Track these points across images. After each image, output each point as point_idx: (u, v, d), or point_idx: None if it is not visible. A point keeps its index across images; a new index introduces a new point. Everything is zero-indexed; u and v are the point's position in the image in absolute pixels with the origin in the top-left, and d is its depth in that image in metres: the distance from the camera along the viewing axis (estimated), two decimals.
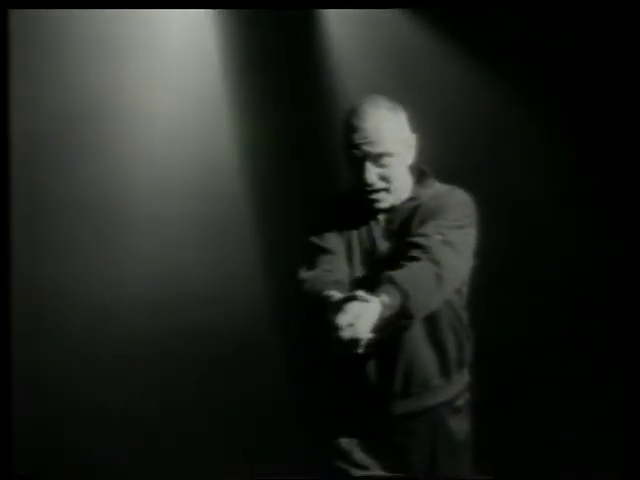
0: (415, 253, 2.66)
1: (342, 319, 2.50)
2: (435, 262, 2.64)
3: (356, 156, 2.77)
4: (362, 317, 2.50)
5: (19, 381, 3.44)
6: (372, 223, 2.87)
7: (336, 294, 2.59)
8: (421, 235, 2.71)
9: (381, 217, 2.86)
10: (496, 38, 3.87)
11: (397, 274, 2.61)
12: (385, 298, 2.54)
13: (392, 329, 2.64)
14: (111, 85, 3.87)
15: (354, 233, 2.87)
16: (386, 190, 2.80)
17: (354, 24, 4.06)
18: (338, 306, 2.53)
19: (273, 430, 4.05)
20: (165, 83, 3.96)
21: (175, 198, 4.00)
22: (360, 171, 2.78)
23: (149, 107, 3.94)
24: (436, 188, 2.88)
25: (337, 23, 4.11)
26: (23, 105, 3.64)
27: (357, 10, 3.98)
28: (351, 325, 2.49)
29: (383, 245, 2.83)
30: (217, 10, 3.98)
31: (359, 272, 2.85)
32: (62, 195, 3.85)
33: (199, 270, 4.02)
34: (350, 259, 2.86)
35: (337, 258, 2.84)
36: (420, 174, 2.90)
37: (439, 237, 2.69)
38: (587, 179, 3.84)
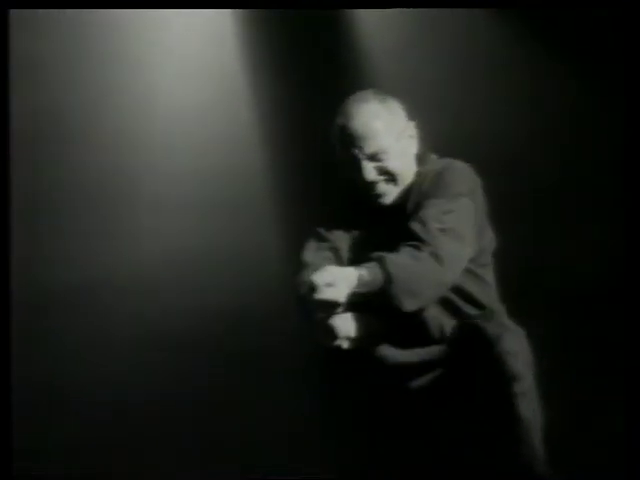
0: (415, 243, 2.50)
1: (319, 278, 2.36)
2: (435, 256, 2.48)
3: (352, 156, 2.66)
4: (341, 280, 2.36)
5: (19, 381, 3.44)
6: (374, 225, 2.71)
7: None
8: (420, 222, 2.55)
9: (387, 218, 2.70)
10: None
11: (389, 256, 2.44)
12: (364, 273, 2.40)
13: (379, 324, 2.48)
14: (111, 85, 3.88)
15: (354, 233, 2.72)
16: (393, 181, 2.68)
17: (383, 24, 4.02)
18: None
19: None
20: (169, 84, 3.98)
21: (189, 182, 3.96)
22: (359, 171, 2.66)
23: (160, 101, 3.95)
24: (433, 163, 2.75)
25: (365, 23, 4.07)
26: (23, 105, 3.64)
27: (387, 10, 3.91)
28: (330, 285, 2.35)
29: (382, 231, 2.66)
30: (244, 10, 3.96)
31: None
32: (65, 191, 3.87)
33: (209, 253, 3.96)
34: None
35: (338, 253, 2.69)
36: (418, 156, 2.77)
37: (437, 225, 2.53)
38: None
